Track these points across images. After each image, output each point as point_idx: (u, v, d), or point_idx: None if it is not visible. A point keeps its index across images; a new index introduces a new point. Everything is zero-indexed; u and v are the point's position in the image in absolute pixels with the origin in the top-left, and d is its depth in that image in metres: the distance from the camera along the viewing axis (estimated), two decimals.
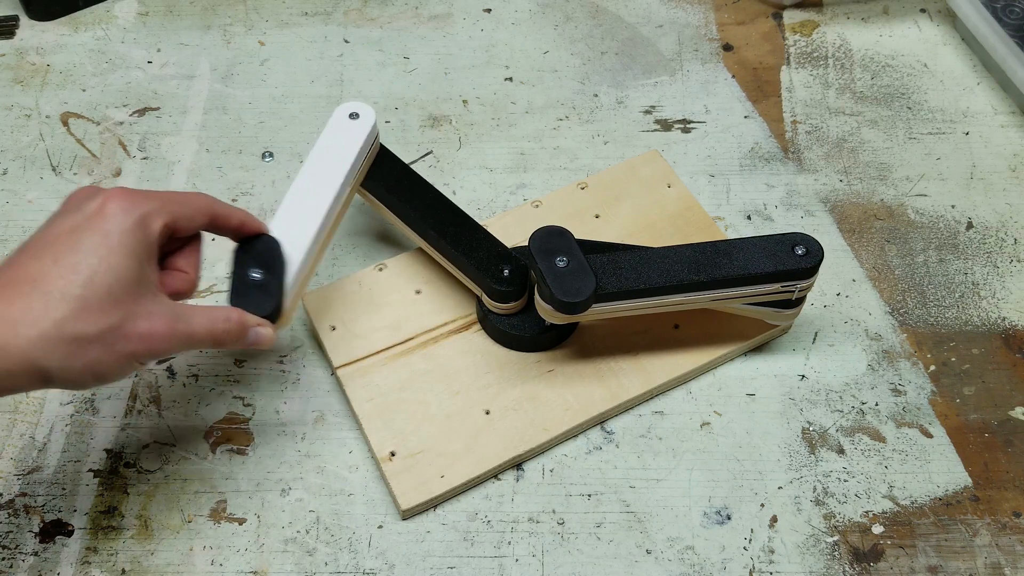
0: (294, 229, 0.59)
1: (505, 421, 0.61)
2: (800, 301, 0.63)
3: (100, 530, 0.58)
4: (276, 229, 0.58)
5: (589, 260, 0.59)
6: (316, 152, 0.62)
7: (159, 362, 0.55)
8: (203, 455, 0.61)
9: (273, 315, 0.55)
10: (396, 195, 0.65)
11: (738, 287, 0.60)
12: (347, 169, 0.62)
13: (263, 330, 0.54)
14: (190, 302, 0.53)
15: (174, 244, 0.53)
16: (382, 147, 0.66)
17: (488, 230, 0.65)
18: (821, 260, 0.59)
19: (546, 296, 0.58)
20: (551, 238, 0.59)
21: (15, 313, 0.45)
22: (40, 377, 0.46)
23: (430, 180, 0.74)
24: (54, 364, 0.45)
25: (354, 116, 0.63)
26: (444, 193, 0.74)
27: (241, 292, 0.54)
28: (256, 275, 0.55)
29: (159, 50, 0.82)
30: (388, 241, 0.71)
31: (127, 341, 0.47)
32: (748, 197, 0.74)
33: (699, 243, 0.60)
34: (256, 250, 0.56)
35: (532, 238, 0.59)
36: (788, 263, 0.59)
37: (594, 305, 0.59)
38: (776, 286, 0.60)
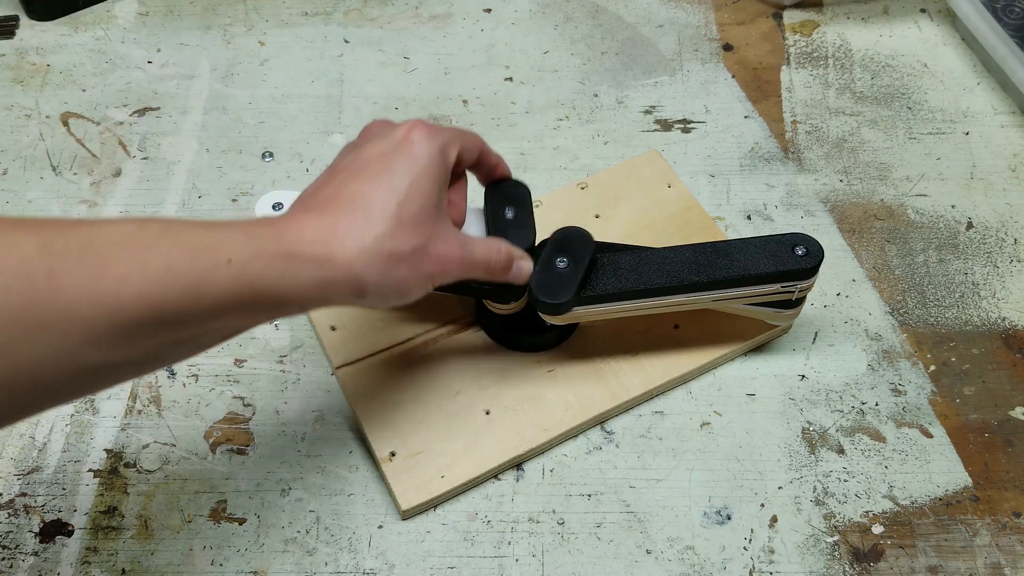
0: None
1: (505, 421, 0.61)
2: (800, 301, 0.63)
3: (100, 530, 0.58)
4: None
5: (590, 265, 0.58)
6: None
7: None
8: (203, 455, 0.61)
9: (530, 250, 0.58)
10: None
11: (738, 287, 0.60)
12: None
13: (524, 263, 0.56)
14: None
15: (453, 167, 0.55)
16: None
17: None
18: (821, 260, 0.59)
19: (529, 286, 0.58)
20: (572, 239, 0.60)
21: (341, 228, 0.46)
22: (358, 290, 0.47)
23: None
24: (372, 278, 0.47)
25: (278, 206, 0.61)
26: None
27: (499, 229, 0.58)
28: (510, 214, 0.58)
29: (159, 50, 0.82)
30: None
31: (429, 261, 0.49)
32: (748, 197, 0.74)
33: (699, 243, 0.60)
34: (506, 191, 0.59)
35: (556, 233, 0.60)
36: (788, 263, 0.59)
37: (594, 306, 0.59)
38: (776, 286, 0.60)
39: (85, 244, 0.39)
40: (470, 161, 0.56)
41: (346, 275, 0.46)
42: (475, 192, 0.59)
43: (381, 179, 0.49)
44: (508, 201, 0.59)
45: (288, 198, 0.60)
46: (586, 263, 0.58)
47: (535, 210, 0.70)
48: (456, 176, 0.56)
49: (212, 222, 0.44)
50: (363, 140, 0.52)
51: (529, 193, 0.60)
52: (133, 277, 0.39)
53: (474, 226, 0.59)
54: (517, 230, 0.58)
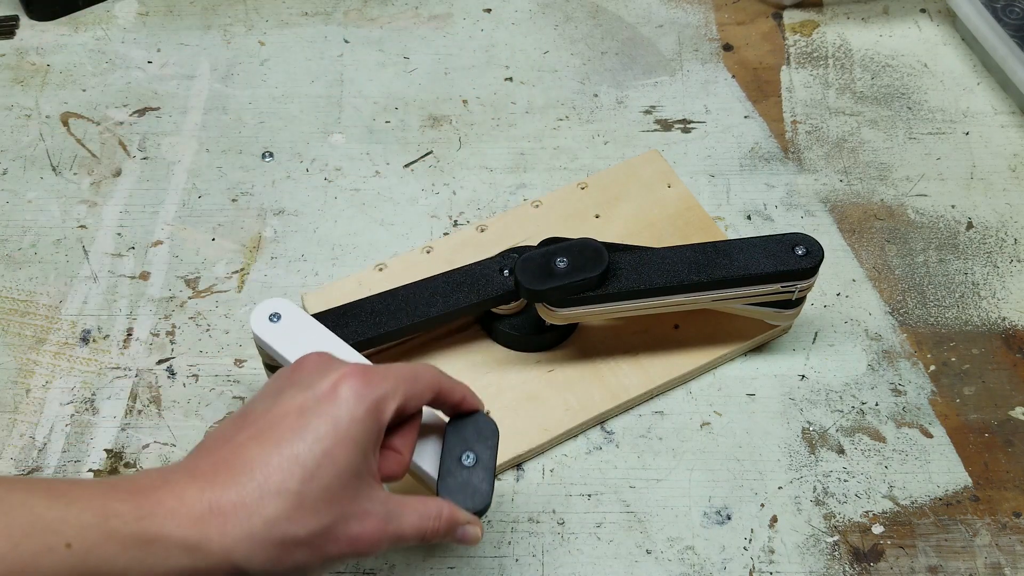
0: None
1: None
2: (800, 301, 0.63)
3: None
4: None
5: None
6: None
7: None
8: None
9: (483, 510, 0.49)
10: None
11: (738, 287, 0.60)
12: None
13: (471, 529, 0.48)
14: None
15: (392, 420, 0.47)
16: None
17: (488, 230, 0.65)
18: (821, 260, 0.59)
19: (573, 291, 0.58)
20: (588, 250, 0.58)
21: (226, 505, 0.40)
22: None
23: (430, 180, 0.75)
24: (255, 567, 0.40)
25: (275, 317, 0.55)
26: (444, 193, 0.74)
27: (449, 483, 0.49)
28: (468, 460, 0.50)
29: (159, 50, 0.82)
30: (388, 241, 0.71)
31: (336, 544, 0.42)
32: (748, 197, 0.74)
33: (699, 243, 0.60)
34: (469, 430, 0.51)
35: (576, 241, 0.58)
36: (788, 263, 0.59)
37: (594, 305, 0.59)
38: (776, 286, 0.60)
39: None
40: (420, 404, 0.48)
41: (222, 564, 0.39)
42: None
43: (289, 445, 0.41)
44: (469, 444, 0.50)
45: (286, 311, 0.54)
46: (584, 277, 0.58)
47: (535, 210, 0.71)
48: (405, 420, 0.48)
49: (65, 488, 0.39)
50: (289, 381, 0.45)
51: (496, 435, 0.51)
52: None
53: (430, 452, 0.51)
54: (471, 484, 0.49)
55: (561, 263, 0.58)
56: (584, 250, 0.58)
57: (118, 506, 0.38)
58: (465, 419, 0.51)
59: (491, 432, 0.51)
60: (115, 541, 0.38)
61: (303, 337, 0.55)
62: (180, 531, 0.39)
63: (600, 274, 0.58)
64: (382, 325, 0.59)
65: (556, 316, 0.60)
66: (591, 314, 0.60)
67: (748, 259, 0.59)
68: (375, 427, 0.44)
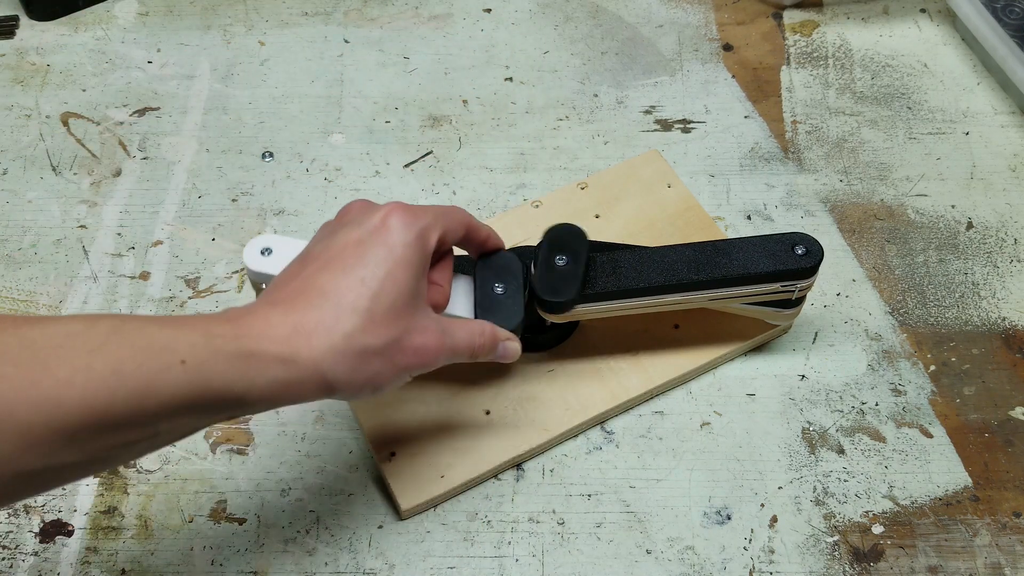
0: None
1: (505, 421, 0.61)
2: (800, 301, 0.63)
3: (100, 530, 0.58)
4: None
5: (589, 263, 0.59)
6: None
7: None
8: (203, 455, 0.61)
9: (518, 329, 0.56)
10: None
11: (738, 287, 0.60)
12: None
13: (511, 344, 0.55)
14: None
15: (432, 257, 0.53)
16: None
17: None
18: (821, 260, 0.59)
19: (533, 288, 0.58)
20: (566, 236, 0.59)
21: (308, 324, 0.45)
22: (326, 387, 0.45)
23: (430, 180, 0.75)
24: (341, 376, 0.45)
25: (266, 252, 0.56)
26: (444, 193, 0.74)
27: (486, 306, 0.55)
28: (499, 289, 0.56)
29: (159, 50, 0.82)
30: None
31: (404, 355, 0.48)
32: (748, 197, 0.74)
33: (698, 242, 0.60)
34: (498, 265, 0.57)
35: (548, 231, 0.60)
36: (788, 263, 0.59)
37: (594, 304, 0.59)
38: (776, 286, 0.60)
39: (27, 345, 0.38)
40: (455, 240, 0.54)
41: (312, 374, 0.44)
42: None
43: (354, 271, 0.47)
44: (499, 276, 0.57)
45: (277, 244, 0.56)
46: (584, 258, 0.58)
47: (535, 210, 0.71)
48: (441, 255, 0.54)
49: (169, 318, 0.43)
50: (340, 223, 0.50)
51: (521, 267, 0.58)
52: (76, 380, 0.38)
53: (461, 301, 0.57)
54: (505, 308, 0.56)
55: (561, 261, 0.58)
56: (562, 237, 0.59)
57: (218, 328, 0.43)
58: (492, 256, 0.57)
59: (515, 265, 0.57)
60: (221, 358, 0.42)
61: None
62: (274, 347, 0.43)
63: (589, 245, 0.58)
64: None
65: (560, 315, 0.60)
66: (591, 313, 0.60)
67: (748, 258, 0.59)
68: (423, 252, 0.49)
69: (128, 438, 0.40)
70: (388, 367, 0.47)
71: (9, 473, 0.38)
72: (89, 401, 0.38)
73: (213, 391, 0.42)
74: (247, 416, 0.63)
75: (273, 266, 0.55)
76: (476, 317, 0.55)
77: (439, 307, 0.53)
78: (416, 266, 0.49)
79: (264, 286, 0.56)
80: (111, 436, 0.39)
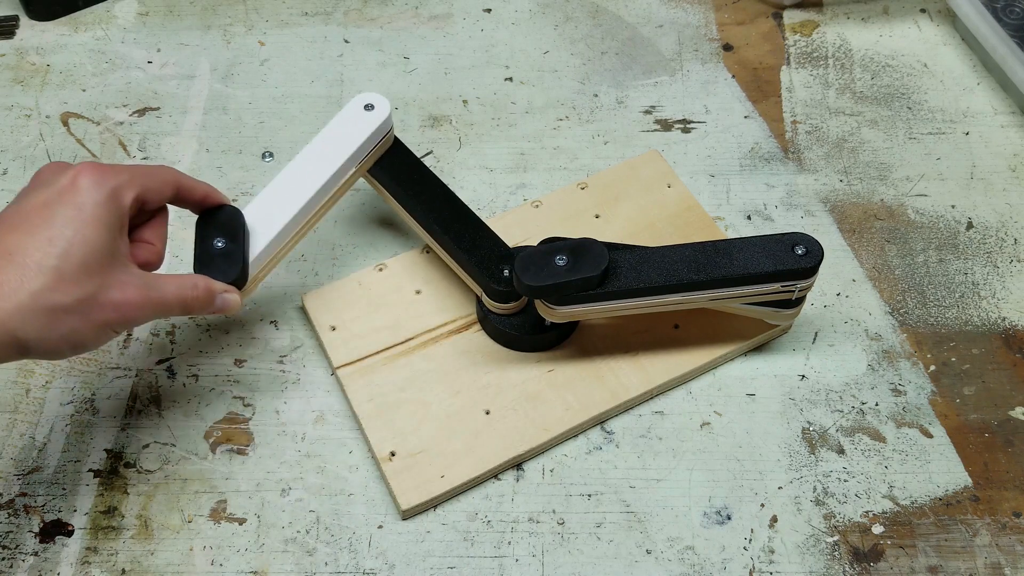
0: (277, 203, 0.61)
1: (505, 421, 0.61)
2: (800, 301, 0.63)
3: (100, 530, 0.58)
4: (260, 201, 0.61)
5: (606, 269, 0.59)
6: (321, 136, 0.64)
7: (128, 334, 0.58)
8: (203, 455, 0.61)
9: (238, 281, 0.56)
10: (404, 187, 0.65)
11: (738, 287, 0.60)
12: (346, 155, 0.63)
13: (229, 296, 0.56)
14: None
15: (142, 217, 0.55)
16: (397, 140, 0.67)
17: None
18: (821, 260, 0.59)
19: (574, 289, 0.58)
20: (589, 249, 0.58)
21: None
22: (17, 347, 0.47)
23: None
24: (31, 334, 0.46)
25: (369, 107, 0.64)
26: None
27: (205, 261, 0.56)
28: (220, 244, 0.57)
29: (159, 50, 0.82)
30: (388, 241, 0.71)
31: (102, 310, 0.48)
32: (748, 197, 0.74)
33: (699, 242, 0.60)
34: (219, 220, 0.58)
35: (577, 240, 0.59)
36: (788, 263, 0.59)
37: (594, 304, 0.59)
38: (776, 286, 0.60)
39: None
40: (161, 199, 0.54)
41: (1, 335, 0.45)
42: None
43: (40, 231, 0.47)
44: (219, 231, 0.57)
45: (381, 103, 0.63)
46: (584, 273, 0.58)
47: (535, 210, 0.71)
48: (151, 214, 0.55)
49: None
50: (31, 187, 0.51)
51: (243, 221, 0.58)
52: None
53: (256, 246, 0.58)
54: (224, 261, 0.56)
55: (561, 261, 0.58)
56: (585, 249, 0.58)
57: None
58: (214, 212, 0.58)
59: (239, 220, 0.58)
60: None
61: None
62: None
63: (600, 274, 0.58)
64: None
65: (556, 314, 0.60)
66: (591, 312, 0.60)
67: (748, 258, 0.59)
68: (117, 211, 0.50)
69: None
70: (85, 323, 0.48)
71: None
72: None
73: None
74: (246, 416, 0.63)
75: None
76: (195, 272, 0.56)
77: (151, 265, 0.54)
78: (109, 224, 0.49)
79: None
80: None
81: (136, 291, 0.50)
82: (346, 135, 0.64)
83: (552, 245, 0.59)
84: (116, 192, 0.50)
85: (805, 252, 0.59)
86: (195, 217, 0.59)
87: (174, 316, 0.53)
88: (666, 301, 0.60)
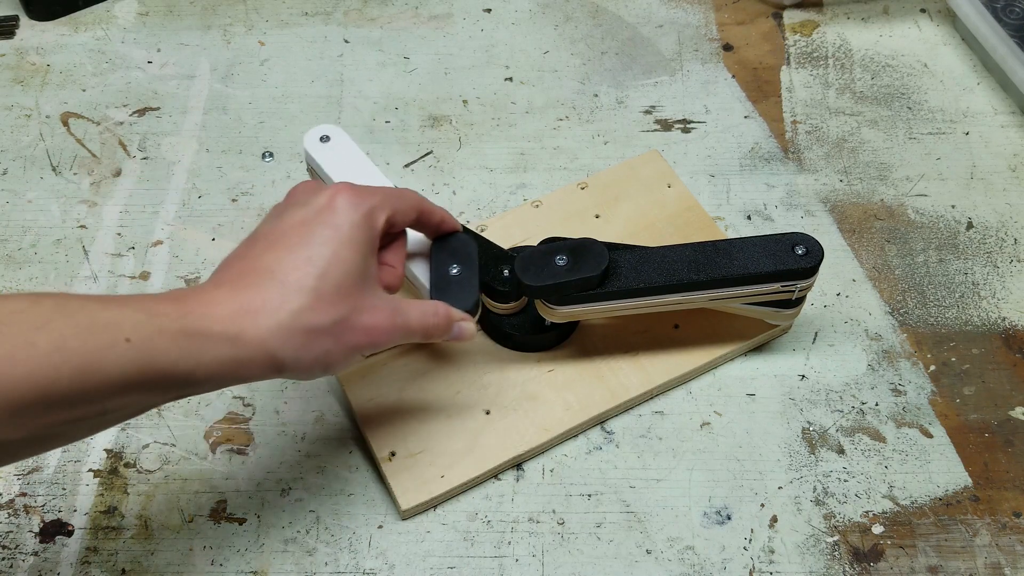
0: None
1: (505, 421, 0.61)
2: (800, 301, 0.63)
3: (100, 530, 0.58)
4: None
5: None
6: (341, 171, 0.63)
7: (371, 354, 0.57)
8: (203, 455, 0.61)
9: (473, 309, 0.56)
10: None
11: (738, 287, 0.60)
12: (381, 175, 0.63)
13: (466, 325, 0.55)
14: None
15: (385, 239, 0.54)
16: None
17: (488, 230, 0.65)
18: (821, 260, 0.59)
19: (574, 289, 0.58)
20: (589, 249, 0.58)
21: (255, 303, 0.45)
22: (274, 366, 0.46)
23: (430, 180, 0.75)
24: (288, 354, 0.46)
25: (325, 139, 0.63)
26: (444, 193, 0.74)
27: (442, 287, 0.56)
28: (455, 270, 0.57)
29: (159, 50, 0.82)
30: None
31: (354, 333, 0.48)
32: (748, 197, 0.74)
33: (699, 242, 0.60)
34: (452, 247, 0.58)
35: (577, 240, 0.59)
36: (788, 263, 0.59)
37: (594, 304, 0.59)
38: (776, 286, 0.60)
39: None
40: (407, 222, 0.54)
41: (259, 353, 0.45)
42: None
43: (299, 250, 0.47)
44: (454, 258, 0.57)
45: (334, 134, 0.60)
46: (584, 275, 0.58)
47: (535, 210, 0.71)
48: (393, 237, 0.55)
49: (113, 297, 0.43)
50: (287, 204, 0.50)
51: (476, 249, 0.58)
52: (19, 356, 0.38)
53: (422, 271, 0.58)
54: (460, 289, 0.56)
55: (561, 261, 0.58)
56: (585, 249, 0.58)
57: (162, 307, 0.43)
58: (447, 238, 0.58)
59: (471, 247, 0.58)
60: (165, 336, 0.42)
61: (347, 159, 0.62)
62: (219, 326, 0.44)
63: (600, 274, 0.58)
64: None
65: (556, 314, 0.60)
66: (590, 312, 0.60)
67: (748, 258, 0.59)
68: (371, 232, 0.50)
69: (74, 415, 0.40)
70: (337, 346, 0.47)
71: None
72: (33, 377, 0.38)
73: (159, 369, 0.42)
74: (246, 416, 0.63)
75: (327, 155, 0.61)
76: (432, 298, 0.56)
77: (392, 288, 0.53)
78: (363, 245, 0.49)
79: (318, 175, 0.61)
80: (56, 413, 0.40)
81: (385, 316, 0.49)
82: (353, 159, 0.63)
83: (552, 245, 0.59)
84: (371, 214, 0.50)
85: (805, 252, 0.59)
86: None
87: (416, 341, 0.52)
88: (666, 301, 0.60)
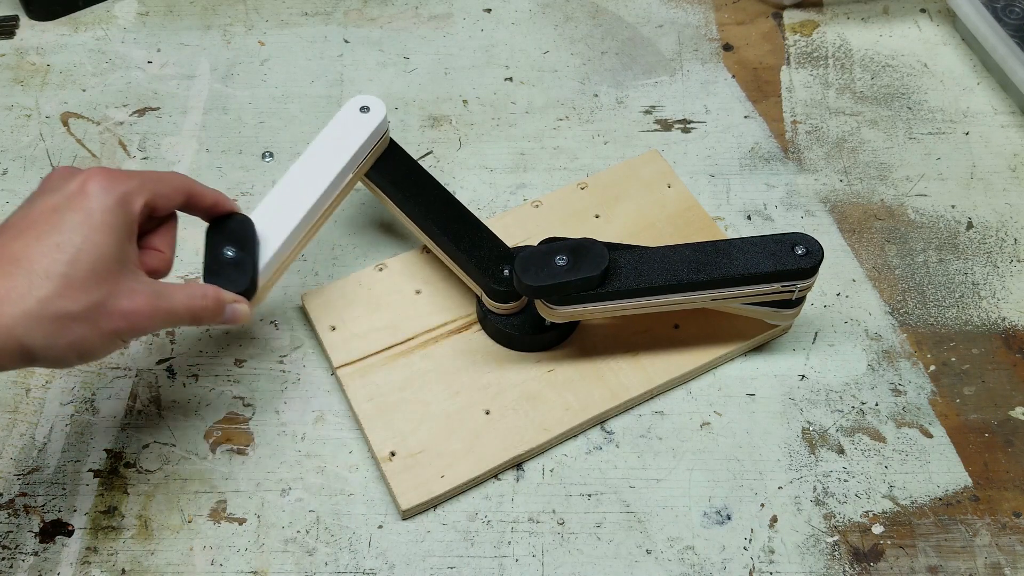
0: (281, 211, 0.60)
1: (505, 421, 0.61)
2: (800, 301, 0.63)
3: (100, 530, 0.58)
4: (264, 209, 0.60)
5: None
6: (319, 140, 0.64)
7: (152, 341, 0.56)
8: (203, 455, 0.61)
9: (248, 292, 0.56)
10: (402, 190, 0.65)
11: (738, 287, 0.60)
12: (346, 159, 0.63)
13: (239, 307, 0.55)
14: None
15: (150, 224, 0.54)
16: (392, 142, 0.67)
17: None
18: (821, 260, 0.59)
19: (574, 289, 0.58)
20: (589, 250, 0.58)
21: (0, 292, 0.45)
22: (23, 355, 0.46)
23: None
24: (38, 342, 0.46)
25: (364, 109, 0.64)
26: None
27: (215, 270, 0.55)
28: (230, 253, 0.56)
29: (159, 50, 0.82)
30: (388, 241, 0.71)
31: (110, 318, 0.48)
32: (748, 197, 0.74)
33: (699, 243, 0.60)
34: (229, 229, 0.57)
35: (578, 240, 0.59)
36: (788, 263, 0.59)
37: (594, 304, 0.59)
38: (776, 286, 0.60)
39: None
40: (172, 206, 0.53)
41: (6, 341, 0.45)
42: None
43: (48, 237, 0.46)
44: (229, 240, 0.56)
45: (376, 106, 0.62)
46: (585, 272, 0.58)
47: (535, 210, 0.71)
48: (160, 221, 0.54)
49: None
50: (39, 192, 0.50)
51: (254, 230, 0.57)
52: None
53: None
54: (234, 270, 0.55)
55: (561, 261, 0.58)
56: (585, 250, 0.58)
57: None
58: (224, 220, 0.57)
59: (249, 228, 0.57)
60: None
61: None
62: None
63: (600, 274, 0.58)
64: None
65: (556, 314, 0.60)
66: (591, 312, 0.60)
67: (748, 259, 0.59)
68: (126, 218, 0.49)
69: None
70: (93, 332, 0.47)
71: None
72: None
73: None
74: (246, 416, 0.63)
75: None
76: (204, 281, 0.55)
77: (159, 273, 0.53)
78: (118, 230, 0.48)
79: None
80: None
81: (145, 299, 0.49)
82: (344, 138, 0.63)
83: (552, 245, 0.59)
84: (126, 198, 0.49)
85: (805, 252, 0.59)
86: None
87: (183, 326, 0.52)
88: (666, 301, 0.60)
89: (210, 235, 0.57)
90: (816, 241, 0.60)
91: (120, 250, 0.48)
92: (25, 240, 0.47)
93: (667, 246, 0.60)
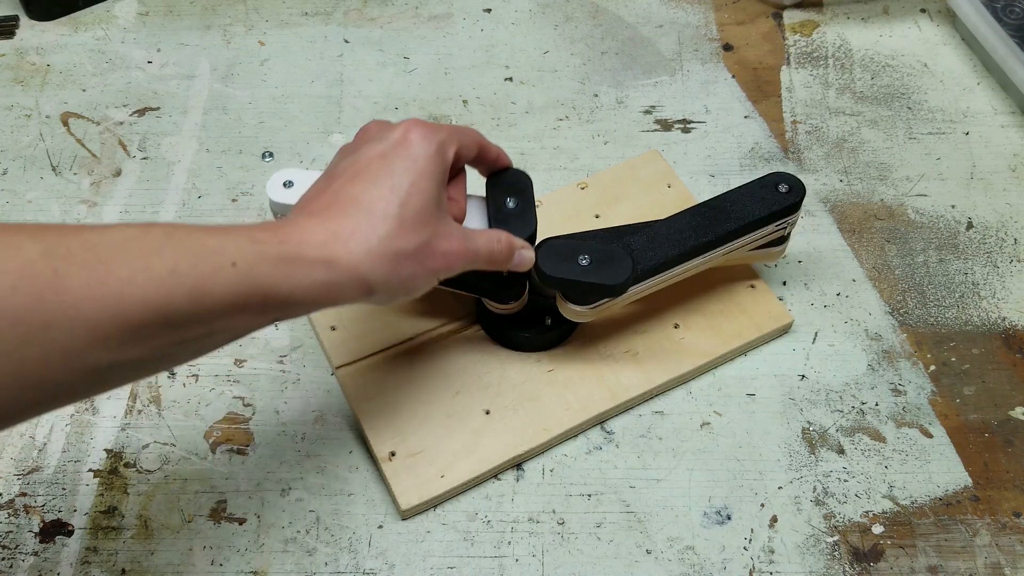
0: None
1: (505, 421, 0.61)
2: (786, 238, 0.65)
3: (100, 530, 0.58)
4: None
5: (599, 246, 0.59)
6: None
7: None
8: (203, 455, 0.61)
9: (531, 238, 0.58)
10: None
11: (741, 237, 0.61)
12: None
13: (526, 252, 0.57)
14: None
15: (449, 174, 0.56)
16: None
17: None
18: (804, 194, 0.62)
19: (588, 291, 0.59)
20: (557, 251, 0.59)
21: (345, 230, 0.47)
22: (365, 290, 0.48)
23: None
24: (379, 278, 0.48)
25: (288, 184, 0.60)
26: None
27: (500, 220, 0.58)
28: (511, 203, 0.58)
29: (159, 50, 0.82)
30: None
31: (433, 258, 0.50)
32: None
33: (694, 207, 0.62)
34: (508, 182, 0.59)
35: (607, 247, 0.59)
36: (778, 202, 0.62)
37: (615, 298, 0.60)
38: (772, 227, 0.62)
39: (89, 247, 0.40)
40: (469, 157, 0.56)
41: (352, 276, 0.47)
42: (476, 183, 0.59)
43: (382, 180, 0.49)
44: (509, 191, 0.59)
45: (297, 177, 0.59)
46: (596, 245, 0.59)
47: (536, 209, 0.71)
48: (455, 172, 0.56)
49: (214, 227, 0.44)
50: (360, 142, 0.53)
51: (530, 182, 0.60)
52: (137, 279, 0.40)
53: (476, 217, 0.59)
54: (518, 220, 0.58)
55: (584, 261, 0.58)
56: (610, 259, 0.59)
57: (261, 235, 0.45)
58: (501, 174, 0.59)
59: (525, 180, 0.59)
60: (267, 261, 0.44)
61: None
62: (314, 252, 0.46)
63: (616, 285, 0.58)
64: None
65: (587, 314, 0.60)
66: (624, 296, 0.60)
67: (743, 209, 0.62)
68: (442, 164, 0.52)
69: (186, 335, 0.42)
70: (420, 269, 0.50)
71: (81, 367, 0.40)
72: (150, 298, 0.40)
73: (261, 291, 0.44)
74: (246, 416, 0.63)
75: (294, 198, 0.58)
76: (491, 226, 0.57)
77: (457, 220, 0.56)
78: (437, 176, 0.51)
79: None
80: (171, 333, 0.42)
81: (458, 242, 0.52)
82: None
83: (583, 242, 0.59)
84: (442, 147, 0.52)
85: (788, 189, 0.62)
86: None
87: (481, 268, 0.54)
88: (686, 268, 0.61)
89: (491, 187, 0.59)
90: (795, 177, 0.63)
91: (438, 195, 0.51)
92: (362, 184, 0.49)
93: (667, 219, 0.61)
